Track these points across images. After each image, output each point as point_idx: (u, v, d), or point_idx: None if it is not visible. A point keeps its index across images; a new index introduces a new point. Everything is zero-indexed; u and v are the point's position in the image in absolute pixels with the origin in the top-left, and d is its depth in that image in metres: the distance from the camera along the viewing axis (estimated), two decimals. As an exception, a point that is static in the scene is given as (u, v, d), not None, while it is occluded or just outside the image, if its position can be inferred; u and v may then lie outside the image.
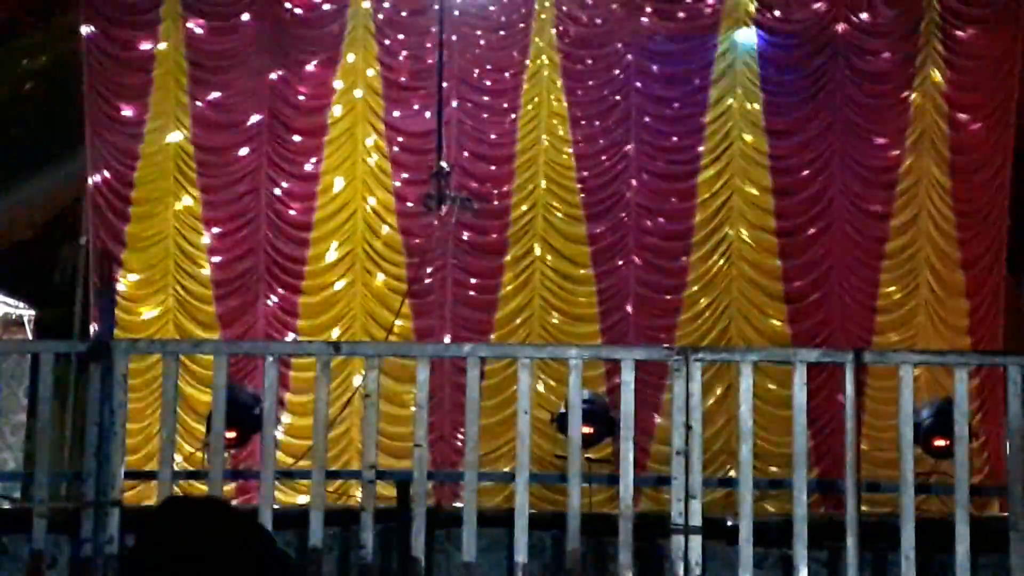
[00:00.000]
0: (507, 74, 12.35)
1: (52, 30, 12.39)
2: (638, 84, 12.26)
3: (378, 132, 12.30)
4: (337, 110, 12.33)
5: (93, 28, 12.22)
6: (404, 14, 12.33)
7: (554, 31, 12.31)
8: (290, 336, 11.93)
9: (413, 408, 7.60)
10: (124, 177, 12.23)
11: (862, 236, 12.03)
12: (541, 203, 12.14)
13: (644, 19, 12.27)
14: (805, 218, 12.11)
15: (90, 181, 12.13)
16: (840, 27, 12.13)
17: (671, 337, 11.75)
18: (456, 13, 11.98)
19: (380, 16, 12.34)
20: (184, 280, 12.13)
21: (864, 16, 12.16)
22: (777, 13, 12.24)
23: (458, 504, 7.91)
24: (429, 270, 11.90)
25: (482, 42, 12.32)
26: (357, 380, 7.51)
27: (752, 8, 12.20)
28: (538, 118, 12.29)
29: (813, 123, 12.15)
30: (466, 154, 12.17)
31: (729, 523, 7.48)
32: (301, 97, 12.37)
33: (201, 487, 9.06)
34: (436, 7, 11.60)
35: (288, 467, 10.34)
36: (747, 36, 12.16)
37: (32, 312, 12.46)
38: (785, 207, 12.12)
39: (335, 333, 11.85)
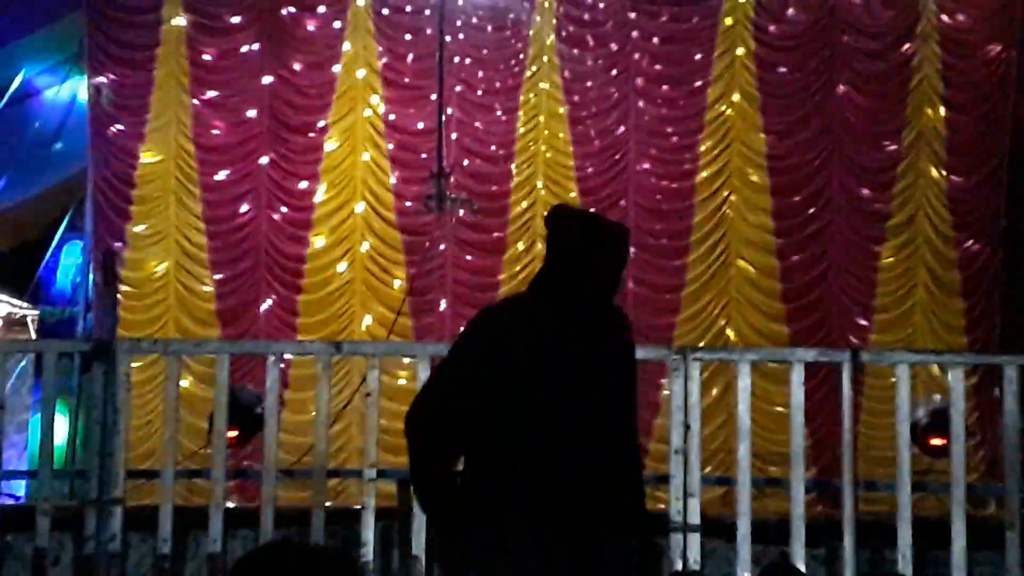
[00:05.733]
0: (507, 74, 12.38)
1: (56, 31, 12.42)
2: (638, 84, 12.31)
3: (378, 132, 12.33)
4: (337, 109, 12.36)
5: (94, 28, 12.26)
6: (404, 14, 12.36)
7: (554, 31, 12.35)
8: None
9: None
10: (125, 176, 12.28)
11: (859, 236, 12.07)
12: (540, 202, 12.17)
13: (643, 19, 12.31)
14: (803, 218, 12.14)
15: (91, 181, 12.18)
16: (837, 28, 12.17)
17: (670, 336, 11.78)
18: (456, 13, 12.03)
19: (380, 16, 12.38)
20: (184, 279, 12.18)
21: (861, 17, 12.20)
22: (775, 13, 12.28)
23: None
24: (428, 268, 11.94)
25: (482, 42, 12.35)
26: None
27: (750, 9, 12.24)
28: (538, 118, 12.32)
29: (811, 123, 12.19)
30: (466, 154, 12.21)
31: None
32: (301, 97, 12.40)
33: (203, 485, 9.10)
34: (436, 7, 11.65)
35: (289, 466, 10.38)
36: None
37: (35, 312, 12.52)
38: (783, 207, 12.15)
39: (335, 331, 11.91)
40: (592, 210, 7.94)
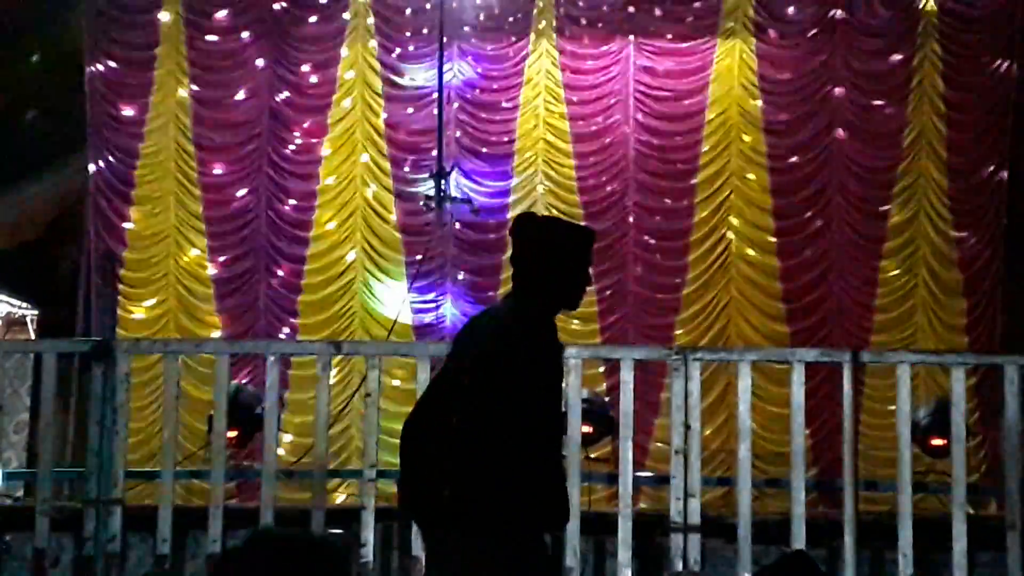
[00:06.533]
0: (507, 73, 12.38)
1: (55, 30, 12.41)
2: (638, 84, 12.29)
3: (378, 131, 12.32)
4: (337, 109, 12.35)
5: (94, 28, 12.26)
6: (404, 14, 12.36)
7: (554, 30, 12.34)
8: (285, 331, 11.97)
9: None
10: (125, 176, 12.27)
11: (860, 235, 12.05)
12: (540, 202, 12.16)
13: (644, 19, 12.30)
14: (803, 217, 12.12)
15: (91, 180, 12.18)
16: (838, 28, 12.15)
17: (670, 336, 11.77)
18: (456, 13, 12.02)
19: (380, 16, 12.37)
20: (184, 279, 12.17)
21: (862, 17, 12.19)
22: (775, 13, 12.27)
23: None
24: (428, 269, 11.93)
25: (482, 41, 12.35)
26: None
27: (750, 8, 12.23)
28: (538, 118, 12.32)
29: (811, 123, 12.18)
30: (466, 154, 12.21)
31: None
32: (301, 96, 12.39)
33: (202, 485, 9.10)
34: (436, 7, 11.65)
35: (289, 466, 10.38)
36: None
37: (35, 312, 12.51)
38: (783, 206, 12.14)
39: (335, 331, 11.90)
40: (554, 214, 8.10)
